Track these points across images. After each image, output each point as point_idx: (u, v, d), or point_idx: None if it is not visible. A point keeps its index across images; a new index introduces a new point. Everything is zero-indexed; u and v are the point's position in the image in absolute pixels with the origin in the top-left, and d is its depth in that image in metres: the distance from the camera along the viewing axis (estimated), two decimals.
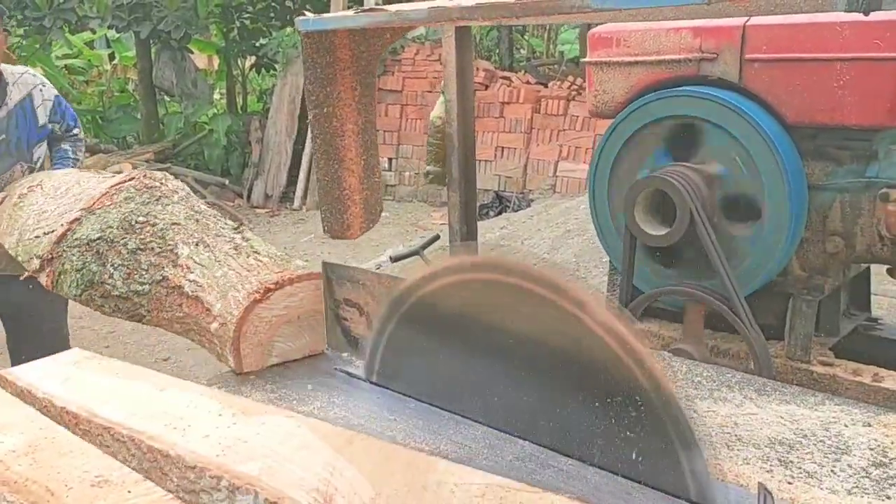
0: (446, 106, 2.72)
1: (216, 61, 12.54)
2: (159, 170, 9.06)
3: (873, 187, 2.42)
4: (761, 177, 2.45)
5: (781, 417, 1.81)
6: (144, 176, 2.22)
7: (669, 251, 2.60)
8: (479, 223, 7.59)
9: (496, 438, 1.55)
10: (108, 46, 12.80)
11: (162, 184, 2.22)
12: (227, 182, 9.87)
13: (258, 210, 9.45)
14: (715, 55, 2.53)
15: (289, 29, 9.96)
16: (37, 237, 2.20)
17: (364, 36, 1.54)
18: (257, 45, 10.71)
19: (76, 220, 2.10)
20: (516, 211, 8.11)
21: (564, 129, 8.74)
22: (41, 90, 3.09)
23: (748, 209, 2.53)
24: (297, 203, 9.47)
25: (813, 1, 1.36)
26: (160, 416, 1.29)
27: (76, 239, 2.05)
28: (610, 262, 2.97)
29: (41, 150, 3.17)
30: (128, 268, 1.98)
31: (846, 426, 1.85)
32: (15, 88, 3.00)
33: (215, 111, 10.93)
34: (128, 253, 2.00)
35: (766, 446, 1.60)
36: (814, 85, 2.39)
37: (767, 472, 1.50)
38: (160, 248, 2.00)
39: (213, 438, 1.19)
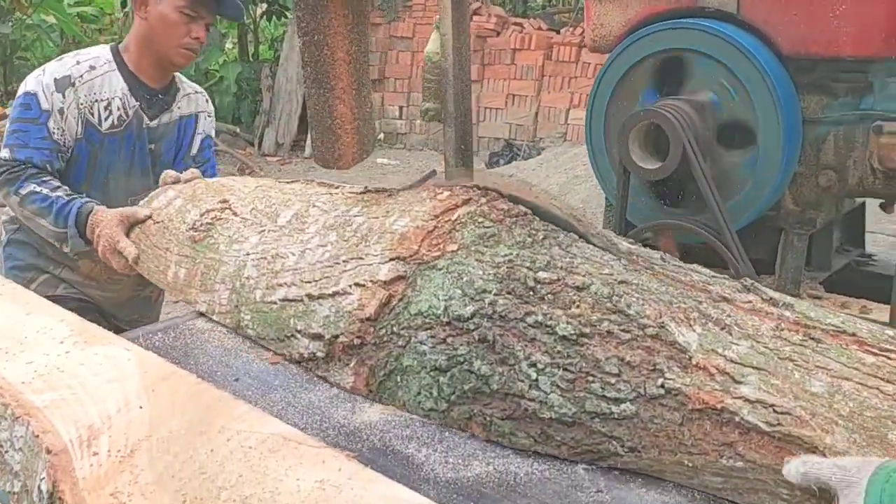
0: (441, 40, 2.72)
1: None
2: None
3: (867, 120, 2.42)
4: (755, 109, 2.45)
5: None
6: (490, 195, 1.27)
7: (663, 185, 2.62)
8: (489, 171, 7.61)
9: None
10: None
11: (526, 208, 1.28)
12: (238, 130, 9.86)
13: (269, 158, 9.45)
14: None
15: None
16: (290, 301, 1.34)
17: None
18: None
19: (400, 279, 1.22)
20: (526, 159, 8.07)
21: (576, 77, 8.64)
22: (207, 119, 2.41)
23: (742, 138, 2.53)
24: (307, 151, 9.46)
25: None
26: (4, 339, 1.25)
27: (419, 314, 1.17)
28: (606, 198, 2.99)
29: None
30: (569, 370, 1.06)
31: None
32: (185, 101, 2.33)
33: (226, 59, 10.88)
34: (557, 342, 1.08)
35: None
36: (809, 15, 2.38)
37: None
38: (626, 330, 1.06)
39: (35, 365, 1.16)
